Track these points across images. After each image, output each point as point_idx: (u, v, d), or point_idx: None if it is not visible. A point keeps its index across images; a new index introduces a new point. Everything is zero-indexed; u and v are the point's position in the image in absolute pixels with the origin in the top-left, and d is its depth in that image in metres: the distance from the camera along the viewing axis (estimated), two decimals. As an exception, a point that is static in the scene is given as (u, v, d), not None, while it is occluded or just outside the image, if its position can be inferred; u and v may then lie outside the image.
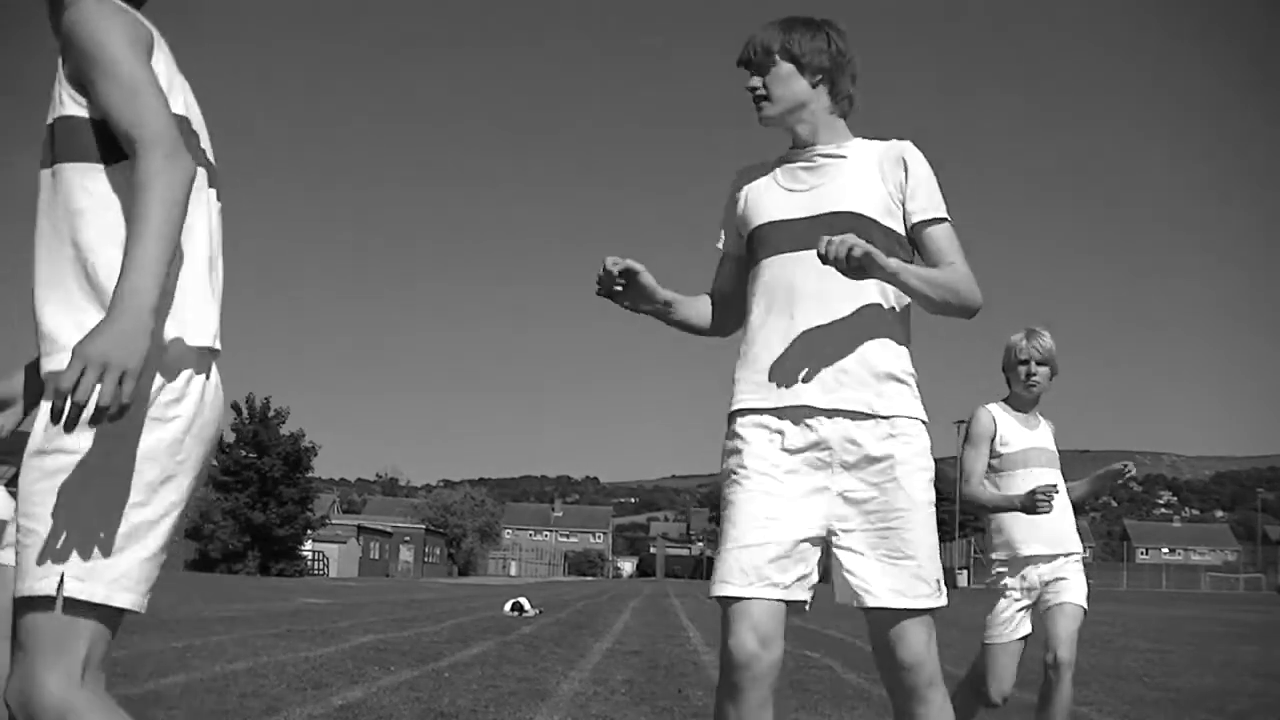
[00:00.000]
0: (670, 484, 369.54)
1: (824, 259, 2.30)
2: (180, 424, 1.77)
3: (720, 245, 2.74)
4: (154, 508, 1.74)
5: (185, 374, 1.79)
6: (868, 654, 11.43)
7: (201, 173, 1.85)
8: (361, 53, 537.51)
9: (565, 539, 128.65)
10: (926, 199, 2.52)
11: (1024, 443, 4.14)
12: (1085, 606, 4.10)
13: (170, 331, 1.76)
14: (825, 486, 2.43)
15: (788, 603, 2.37)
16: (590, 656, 9.28)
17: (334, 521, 62.51)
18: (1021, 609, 4.10)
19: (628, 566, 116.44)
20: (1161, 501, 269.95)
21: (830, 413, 2.43)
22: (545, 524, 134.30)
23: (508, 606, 16.56)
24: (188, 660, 7.63)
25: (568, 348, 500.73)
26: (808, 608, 2.43)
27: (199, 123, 1.93)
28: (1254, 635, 16.11)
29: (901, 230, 2.52)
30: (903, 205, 2.52)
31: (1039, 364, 4.12)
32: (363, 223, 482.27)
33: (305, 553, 53.83)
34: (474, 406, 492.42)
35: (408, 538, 74.25)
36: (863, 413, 2.43)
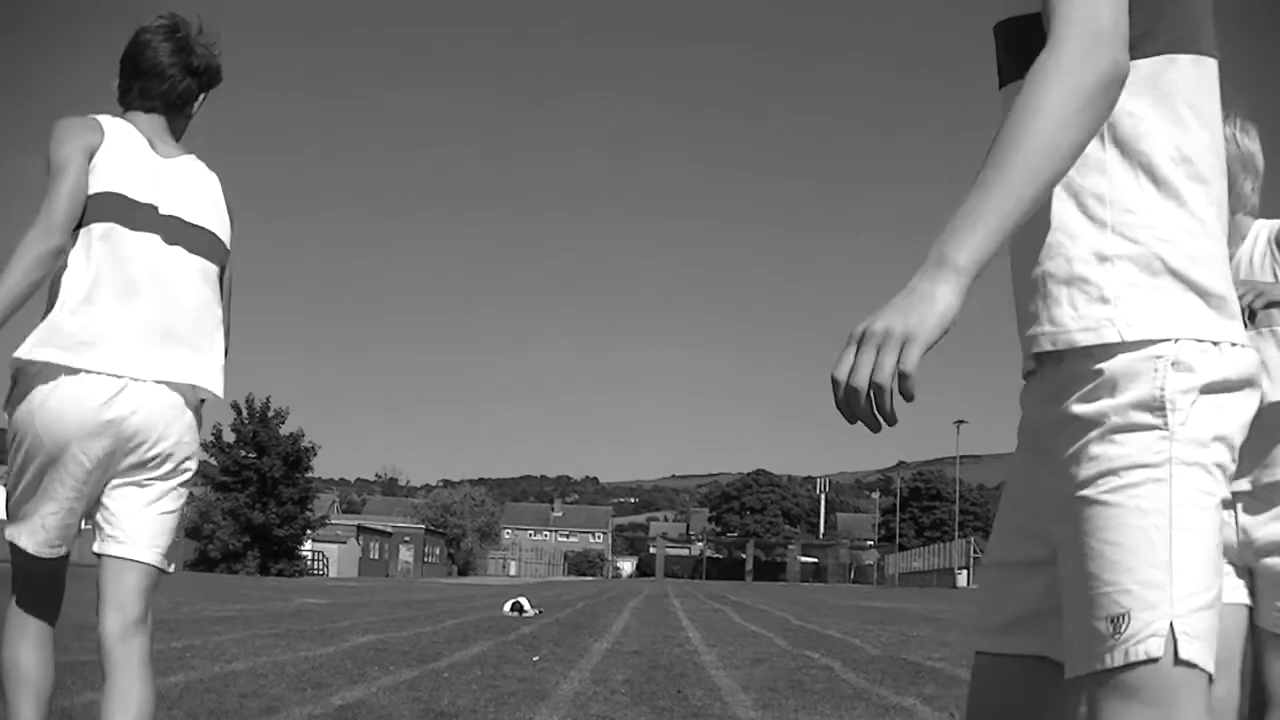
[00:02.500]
0: (670, 484, 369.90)
1: None
2: (19, 418, 2.36)
3: None
4: (14, 479, 2.48)
5: (25, 381, 2.40)
6: (868, 654, 11.34)
7: (104, 227, 2.40)
8: (365, 57, 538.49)
9: (565, 539, 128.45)
10: None
11: None
12: None
13: (20, 351, 2.37)
14: None
15: None
16: (590, 656, 9.27)
17: (334, 521, 62.51)
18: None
19: (627, 566, 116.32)
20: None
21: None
22: (545, 524, 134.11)
23: (507, 606, 16.56)
24: (188, 660, 7.64)
25: (568, 348, 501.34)
26: None
27: (169, 193, 2.50)
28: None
29: None
30: None
31: None
32: (362, 222, 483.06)
33: (305, 553, 53.86)
34: (474, 406, 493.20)
35: (407, 538, 74.27)
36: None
